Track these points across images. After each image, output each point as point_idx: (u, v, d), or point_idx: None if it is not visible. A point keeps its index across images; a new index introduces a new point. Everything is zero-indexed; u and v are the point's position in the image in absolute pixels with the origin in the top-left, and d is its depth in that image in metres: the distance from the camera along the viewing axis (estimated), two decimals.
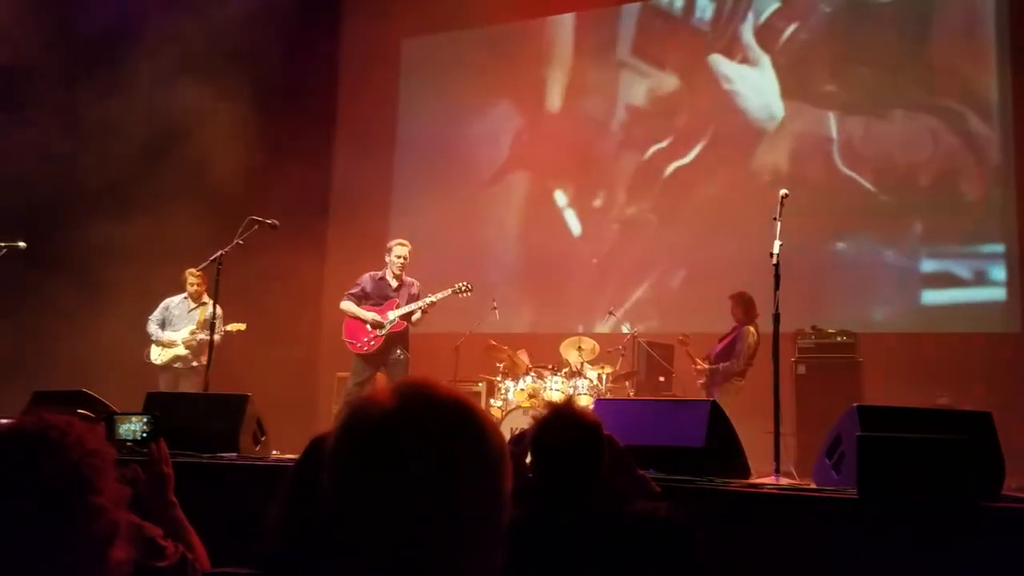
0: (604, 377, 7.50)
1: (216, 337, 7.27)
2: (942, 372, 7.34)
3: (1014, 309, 7.90)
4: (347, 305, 7.25)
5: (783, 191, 5.06)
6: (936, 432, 3.58)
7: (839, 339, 7.38)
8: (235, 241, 6.45)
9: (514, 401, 7.29)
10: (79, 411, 4.42)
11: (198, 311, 7.62)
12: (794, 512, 3.60)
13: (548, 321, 9.52)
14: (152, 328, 7.56)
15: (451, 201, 10.44)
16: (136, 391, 6.70)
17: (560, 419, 2.52)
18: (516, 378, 7.56)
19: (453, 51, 10.72)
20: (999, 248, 8.06)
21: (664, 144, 9.51)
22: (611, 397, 7.25)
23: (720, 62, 9.35)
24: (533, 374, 7.52)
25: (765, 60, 9.17)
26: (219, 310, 7.30)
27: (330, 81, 10.82)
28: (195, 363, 7.50)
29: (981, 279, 8.07)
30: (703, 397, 7.10)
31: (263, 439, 5.10)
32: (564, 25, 10.25)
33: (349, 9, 10.90)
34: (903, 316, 8.25)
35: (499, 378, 7.68)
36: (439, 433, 1.03)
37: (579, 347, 7.67)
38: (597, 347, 7.78)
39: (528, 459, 2.66)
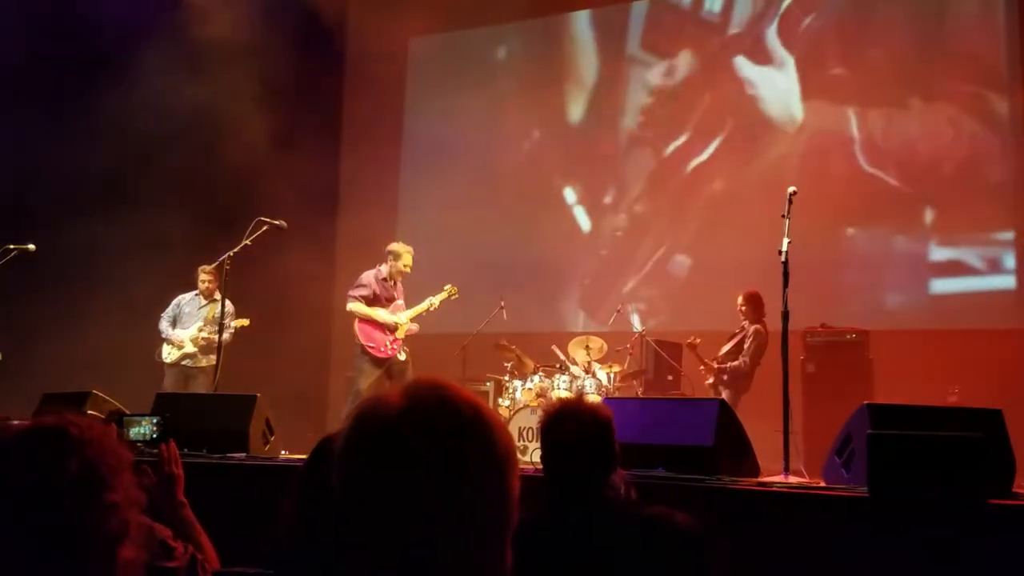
0: (612, 376, 7.49)
1: (226, 336, 7.30)
2: (953, 369, 7.30)
3: None
4: (358, 307, 7.14)
5: (791, 188, 5.04)
6: (947, 430, 3.57)
7: (849, 337, 7.35)
8: (243, 242, 6.47)
9: (522, 400, 7.28)
10: (89, 412, 4.44)
11: (207, 308, 7.59)
12: (804, 511, 3.59)
13: (556, 320, 9.52)
14: (163, 325, 7.57)
15: (459, 199, 10.44)
16: (146, 391, 6.74)
17: (569, 413, 2.47)
18: (524, 377, 7.56)
19: (460, 49, 10.73)
20: (1009, 236, 8.02)
21: (676, 142, 9.48)
22: (619, 396, 7.24)
23: (735, 57, 9.32)
24: (541, 373, 7.51)
25: (780, 54, 9.12)
26: (230, 306, 7.34)
27: (336, 80, 10.82)
28: (204, 362, 7.47)
29: (993, 274, 8.03)
30: (711, 396, 7.08)
31: (272, 439, 5.11)
32: (573, 22, 10.23)
33: (355, 9, 10.91)
34: (914, 313, 8.21)
35: (507, 377, 7.68)
36: (448, 433, 1.03)
37: (587, 346, 7.67)
38: (605, 346, 7.77)
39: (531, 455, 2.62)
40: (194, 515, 2.34)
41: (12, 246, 6.37)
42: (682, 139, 9.45)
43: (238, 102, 8.30)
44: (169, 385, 7.36)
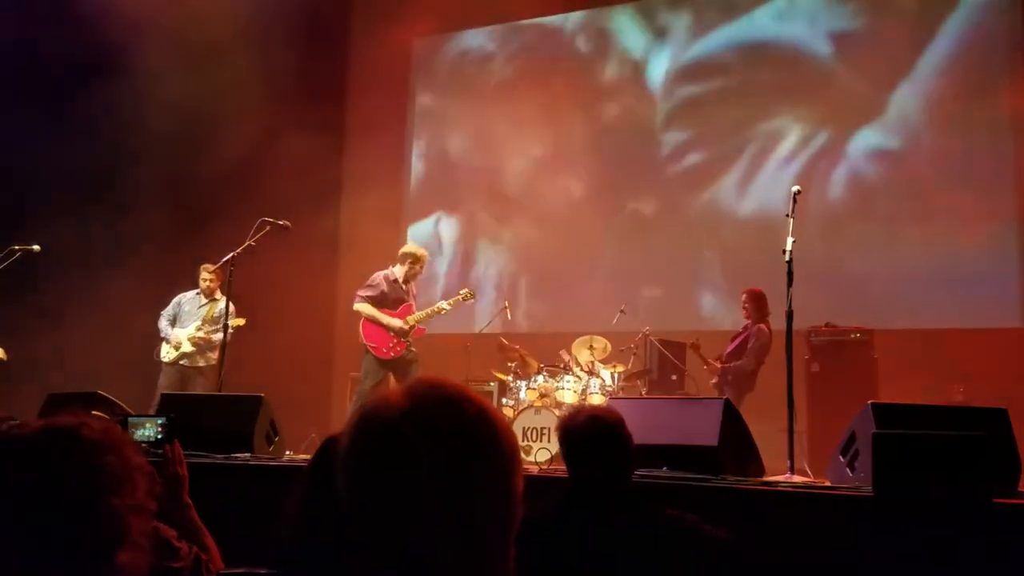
0: (616, 376, 7.49)
1: (219, 335, 7.28)
2: (957, 369, 7.28)
3: None
4: (365, 308, 7.15)
5: (795, 187, 5.04)
6: (951, 429, 3.57)
7: (853, 336, 7.33)
8: (247, 242, 6.48)
9: (526, 400, 7.28)
10: (94, 413, 4.44)
11: (207, 307, 7.55)
12: (809, 510, 3.59)
13: (559, 319, 9.52)
14: (162, 324, 7.51)
15: (463, 200, 10.45)
16: (142, 390, 6.75)
17: (587, 419, 2.58)
18: (528, 377, 7.56)
19: (464, 50, 10.74)
20: (1013, 235, 8.01)
21: (681, 140, 9.47)
22: (623, 396, 7.24)
23: (742, 57, 9.32)
24: (545, 373, 7.51)
25: (785, 55, 9.13)
26: (231, 307, 7.34)
27: (340, 80, 10.83)
28: (201, 362, 7.45)
29: (997, 273, 8.01)
30: (716, 396, 7.07)
31: (276, 440, 5.12)
32: (577, 21, 10.23)
33: (359, 10, 10.92)
34: (918, 312, 8.19)
35: (511, 377, 7.68)
36: (451, 433, 1.03)
37: (591, 346, 7.67)
38: (609, 346, 7.76)
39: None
40: (199, 516, 2.34)
41: (17, 247, 6.40)
42: (685, 138, 9.44)
43: (241, 102, 8.31)
44: (165, 385, 7.28)
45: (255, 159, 8.63)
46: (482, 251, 10.20)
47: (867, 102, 8.67)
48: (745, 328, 7.47)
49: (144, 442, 2.58)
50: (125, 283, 7.74)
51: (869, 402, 3.90)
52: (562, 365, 7.63)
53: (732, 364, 7.34)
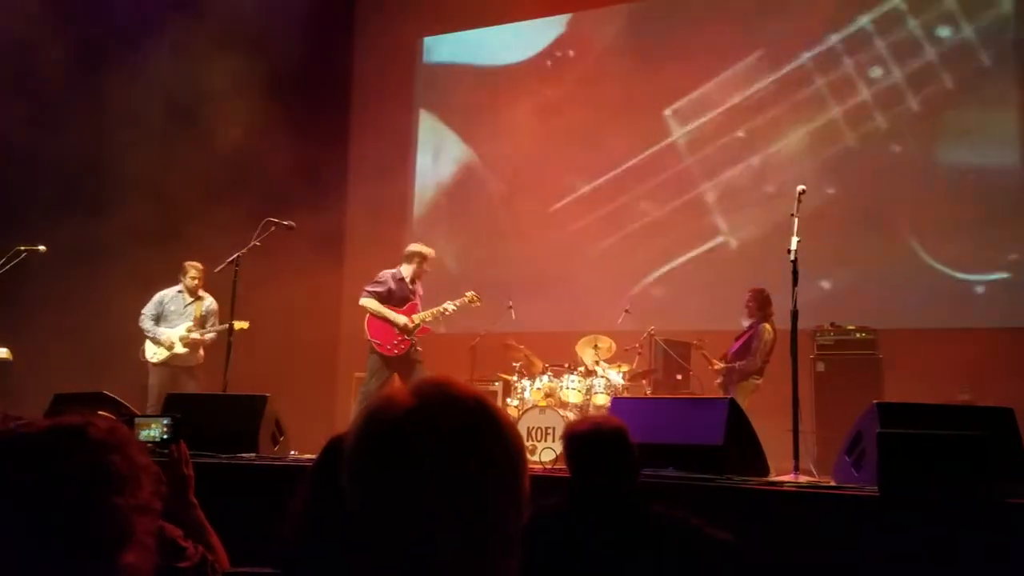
0: (621, 376, 7.48)
1: (212, 335, 7.29)
2: (963, 368, 7.26)
3: None
4: (370, 303, 7.14)
5: (800, 187, 5.03)
6: (957, 428, 3.56)
7: (859, 336, 7.32)
8: (252, 243, 6.49)
9: (531, 400, 7.28)
10: (100, 414, 4.44)
11: (194, 306, 7.46)
12: (814, 510, 3.58)
13: (564, 319, 9.51)
14: (148, 324, 7.35)
15: (468, 200, 10.46)
16: (129, 390, 6.74)
17: (590, 427, 2.66)
18: (532, 377, 7.55)
19: (471, 48, 10.74)
20: (1018, 233, 7.99)
21: (685, 139, 9.47)
22: (628, 395, 7.23)
23: (747, 59, 9.31)
24: (550, 373, 7.51)
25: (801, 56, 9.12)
26: (215, 304, 7.36)
27: (346, 80, 10.84)
28: (192, 361, 7.38)
29: (1002, 271, 7.99)
30: (721, 395, 7.06)
31: (282, 439, 5.13)
32: (581, 21, 10.23)
33: (365, 11, 10.92)
34: (923, 311, 8.17)
35: (515, 377, 7.68)
36: (457, 432, 1.03)
37: (595, 345, 7.66)
38: (614, 345, 7.76)
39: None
40: (204, 515, 2.35)
41: (23, 247, 6.42)
42: (690, 138, 9.43)
43: (246, 103, 8.33)
44: (156, 385, 7.22)
45: (259, 160, 8.65)
46: (486, 250, 10.20)
47: (873, 101, 8.65)
48: (749, 327, 7.46)
49: (150, 442, 2.59)
50: (129, 282, 7.76)
51: (874, 402, 3.90)
52: (567, 364, 7.62)
53: (736, 364, 7.33)
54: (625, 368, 7.58)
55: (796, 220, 4.88)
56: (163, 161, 8.35)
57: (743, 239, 8.95)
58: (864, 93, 8.72)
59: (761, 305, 7.33)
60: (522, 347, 7.90)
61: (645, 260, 9.40)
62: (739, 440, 4.20)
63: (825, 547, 3.42)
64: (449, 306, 7.35)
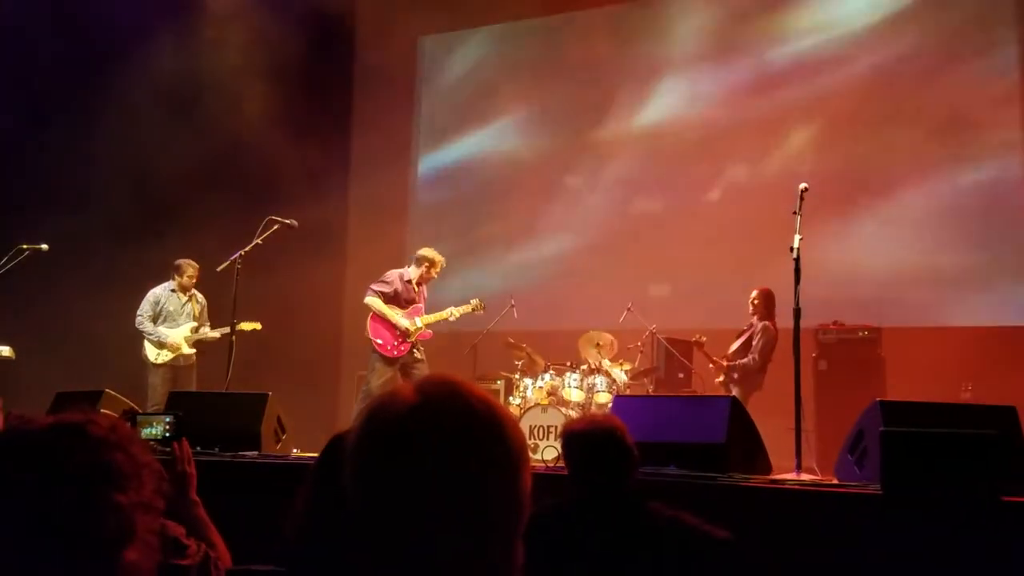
0: (623, 374, 7.48)
1: (217, 335, 7.28)
2: (966, 366, 7.25)
3: None
4: (374, 302, 7.13)
5: (802, 185, 5.02)
6: (960, 427, 3.55)
7: (861, 334, 7.31)
8: (254, 241, 6.49)
9: (533, 399, 7.28)
10: (102, 411, 4.45)
11: (190, 305, 7.45)
12: (816, 508, 3.58)
13: (566, 318, 9.51)
14: (148, 326, 7.31)
15: (470, 199, 10.45)
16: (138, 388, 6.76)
17: (588, 425, 2.67)
18: (534, 375, 7.55)
19: (471, 48, 10.73)
20: (1021, 231, 7.98)
21: (686, 139, 9.45)
22: (630, 394, 7.23)
23: (749, 54, 9.30)
24: (552, 371, 7.51)
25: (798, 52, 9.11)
26: (205, 301, 7.39)
27: (347, 80, 10.83)
28: (192, 360, 7.40)
29: (1005, 269, 7.97)
30: (722, 394, 7.05)
31: (284, 437, 5.13)
32: (583, 19, 10.21)
33: (365, 11, 10.91)
34: (926, 310, 8.16)
35: (517, 375, 7.68)
36: (459, 430, 1.03)
37: (597, 344, 7.65)
38: (616, 343, 7.75)
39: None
40: (206, 513, 2.35)
41: (25, 246, 6.42)
42: (692, 136, 9.42)
43: (248, 103, 8.34)
44: (158, 384, 7.22)
45: (262, 160, 8.66)
46: (488, 249, 10.19)
47: (875, 100, 8.64)
48: (750, 326, 7.45)
49: (152, 440, 2.59)
50: (130, 280, 7.77)
51: (877, 400, 3.89)
52: (568, 362, 7.62)
53: (738, 362, 7.32)
54: (627, 366, 7.58)
55: (799, 218, 4.87)
56: (164, 160, 8.34)
57: (745, 238, 8.93)
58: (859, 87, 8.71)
59: (767, 304, 7.32)
60: (524, 345, 7.90)
61: (647, 258, 9.39)
62: (741, 438, 4.20)
63: (827, 546, 3.42)
64: (454, 312, 7.36)
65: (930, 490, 3.27)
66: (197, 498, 2.38)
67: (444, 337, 7.91)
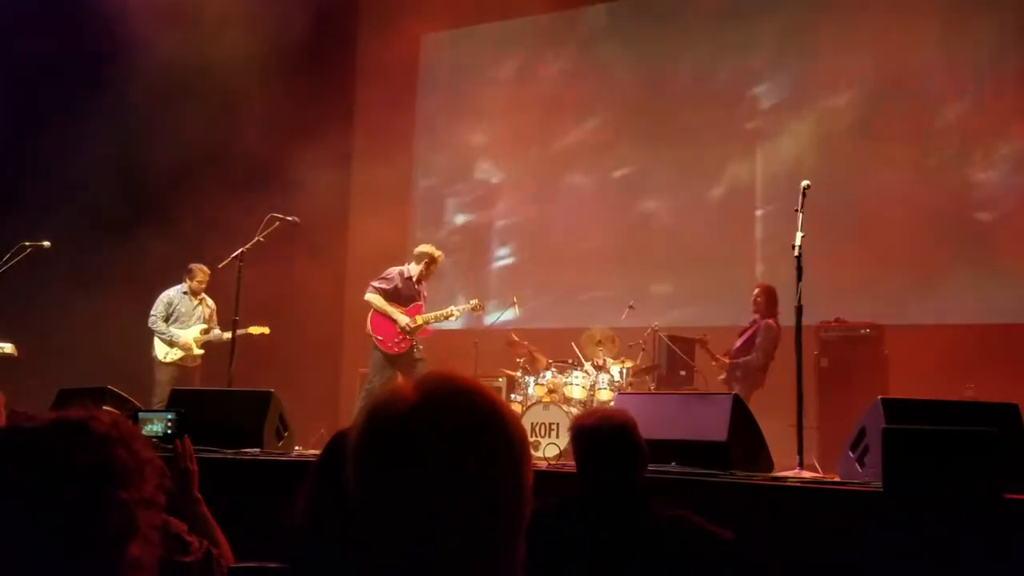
0: (625, 372, 7.48)
1: (227, 336, 7.35)
2: (968, 364, 7.25)
3: None
4: (375, 299, 7.15)
5: (805, 182, 5.02)
6: (962, 424, 3.55)
7: (863, 331, 7.30)
8: (256, 238, 6.49)
9: (534, 396, 7.28)
10: (105, 408, 4.46)
11: (201, 308, 7.65)
12: (818, 506, 3.58)
13: (568, 315, 9.52)
14: (161, 326, 7.52)
15: (471, 195, 10.46)
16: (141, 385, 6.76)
17: (601, 418, 2.64)
18: (536, 373, 7.55)
19: (472, 46, 10.73)
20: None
21: (689, 138, 9.45)
22: (632, 392, 7.23)
23: (746, 52, 9.29)
24: (554, 369, 7.51)
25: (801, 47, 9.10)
26: (214, 305, 7.48)
27: (348, 79, 10.83)
28: (199, 360, 7.58)
29: (1008, 267, 7.96)
30: (724, 391, 7.05)
31: (286, 435, 5.13)
32: (584, 18, 10.20)
33: (366, 10, 10.91)
34: (928, 308, 8.16)
35: (519, 373, 7.68)
36: (461, 428, 1.03)
37: (599, 341, 7.65)
38: (618, 341, 7.75)
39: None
40: (208, 510, 2.35)
41: (28, 243, 6.43)
42: (694, 135, 9.41)
43: (249, 103, 8.33)
44: (166, 382, 7.33)
45: (263, 159, 8.66)
46: (490, 248, 10.20)
47: (877, 99, 8.63)
48: (753, 323, 7.44)
49: (154, 437, 2.60)
50: (133, 281, 7.78)
51: (879, 397, 3.89)
52: (570, 360, 7.62)
53: (741, 360, 7.32)
54: (629, 364, 7.58)
55: (801, 216, 4.86)
56: (165, 158, 8.34)
57: (746, 236, 8.93)
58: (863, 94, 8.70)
59: (770, 301, 7.32)
60: (526, 343, 7.90)
61: (649, 256, 9.39)
62: (743, 436, 4.20)
63: (829, 543, 3.42)
64: (454, 311, 7.41)
65: (932, 488, 3.27)
66: (199, 495, 2.38)
67: (446, 334, 7.92)
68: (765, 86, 9.17)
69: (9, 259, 6.36)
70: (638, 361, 7.74)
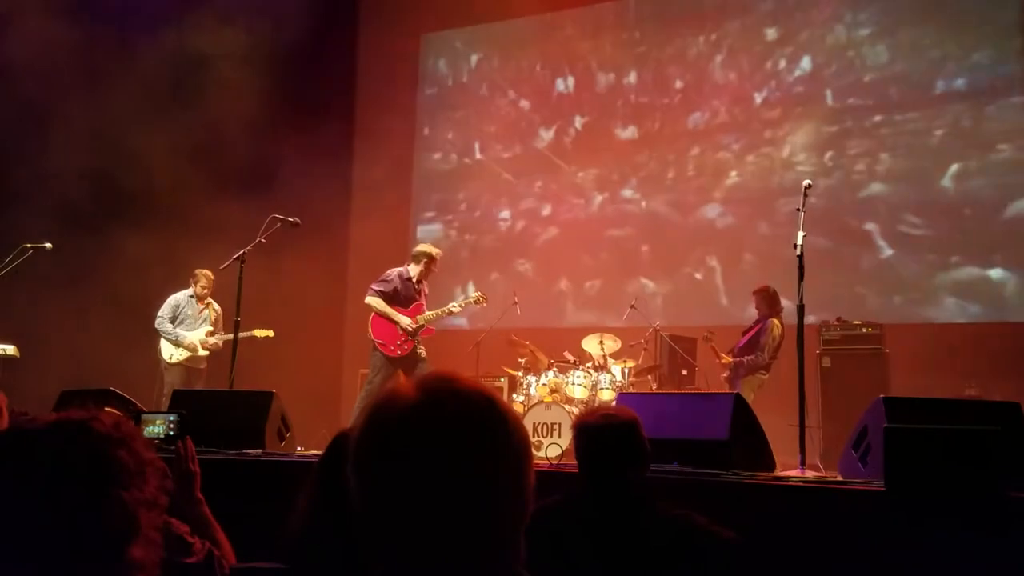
0: (626, 371, 7.48)
1: (220, 340, 7.42)
2: (970, 363, 7.24)
3: None
4: (375, 302, 7.13)
5: (806, 181, 5.02)
6: (964, 423, 3.55)
7: (865, 331, 7.30)
8: (257, 239, 6.49)
9: (536, 396, 7.28)
10: (107, 410, 4.46)
11: (207, 312, 7.73)
12: (820, 505, 3.57)
13: (569, 315, 9.52)
14: (168, 327, 7.59)
15: (472, 195, 10.45)
16: (144, 389, 6.76)
17: (605, 415, 2.62)
18: (538, 373, 7.55)
19: (471, 46, 10.73)
20: None
21: (691, 137, 9.45)
22: (634, 391, 7.22)
23: (758, 52, 9.29)
24: (555, 369, 7.50)
25: (805, 47, 9.09)
26: (220, 309, 7.52)
27: (349, 77, 10.83)
28: (203, 363, 7.65)
29: (1010, 266, 7.95)
30: (726, 390, 7.05)
31: (288, 435, 5.13)
32: (585, 16, 10.20)
33: (367, 10, 10.91)
34: (930, 306, 8.15)
35: (520, 373, 7.68)
36: (460, 428, 1.03)
37: (601, 341, 7.65)
38: (619, 341, 7.75)
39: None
40: (211, 511, 2.35)
41: (29, 244, 6.44)
42: (702, 134, 9.41)
43: (250, 103, 8.33)
44: (171, 384, 7.37)
45: (264, 160, 8.66)
46: (491, 247, 10.20)
47: (879, 99, 8.63)
48: (757, 322, 7.45)
49: (156, 438, 2.60)
50: (134, 280, 7.79)
51: (881, 396, 3.88)
52: (573, 360, 7.62)
53: (744, 359, 7.32)
54: (631, 364, 7.58)
55: (802, 215, 4.86)
56: (167, 158, 8.35)
57: (748, 235, 8.93)
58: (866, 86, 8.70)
59: (770, 303, 7.32)
60: (527, 343, 7.89)
61: (650, 255, 9.39)
62: (745, 435, 4.19)
63: (831, 542, 3.41)
64: (455, 307, 7.39)
65: (934, 486, 3.27)
66: (201, 496, 2.38)
67: (447, 335, 7.92)
68: (770, 84, 9.16)
69: (11, 261, 6.36)
70: (640, 361, 7.74)
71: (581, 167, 9.95)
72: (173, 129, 8.23)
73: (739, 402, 4.30)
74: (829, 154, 8.74)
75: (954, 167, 8.26)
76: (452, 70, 10.86)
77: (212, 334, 7.63)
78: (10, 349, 6.51)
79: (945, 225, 8.21)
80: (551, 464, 4.31)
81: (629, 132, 9.77)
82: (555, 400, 7.09)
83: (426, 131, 10.89)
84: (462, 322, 8.09)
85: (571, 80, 10.10)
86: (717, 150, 9.29)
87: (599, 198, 9.82)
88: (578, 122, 10.04)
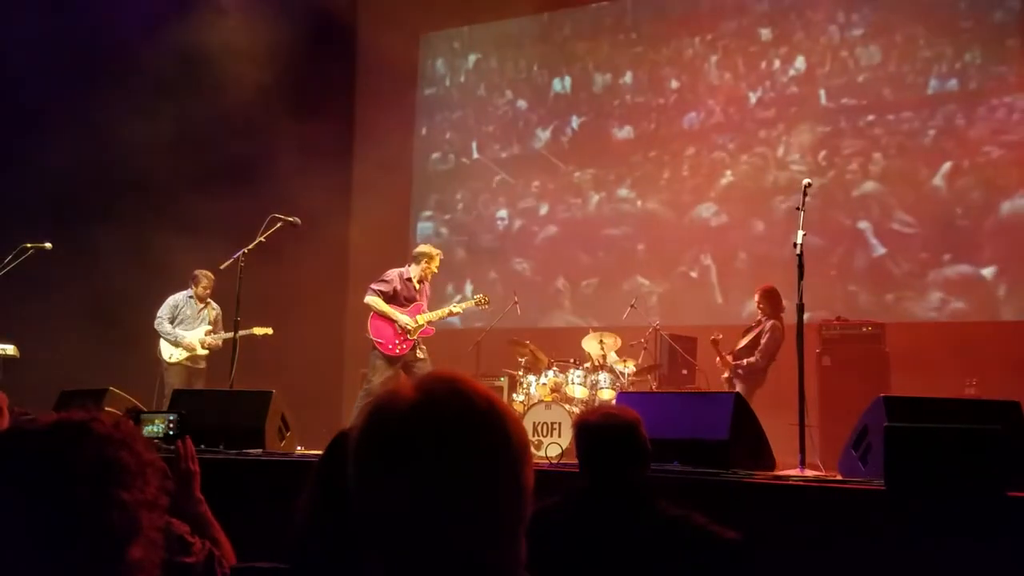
0: (626, 371, 7.47)
1: (220, 340, 7.43)
2: (969, 362, 7.24)
3: None
4: (375, 301, 7.12)
5: (806, 181, 5.02)
6: (964, 422, 3.55)
7: (865, 330, 7.30)
8: (258, 239, 6.49)
9: (536, 395, 7.28)
10: (107, 409, 4.47)
11: (207, 312, 7.74)
12: (820, 504, 3.58)
13: (569, 314, 9.52)
14: (167, 327, 7.61)
15: (472, 195, 10.45)
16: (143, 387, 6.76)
17: (606, 413, 2.62)
18: (538, 373, 7.55)
19: (472, 45, 10.73)
20: None
21: (691, 136, 9.44)
22: (634, 391, 7.22)
23: (757, 53, 9.28)
24: (555, 368, 7.50)
25: (807, 44, 9.08)
26: (220, 310, 7.53)
27: (348, 80, 10.83)
28: (203, 363, 7.67)
29: (1010, 265, 7.95)
30: (726, 390, 7.04)
31: (288, 435, 5.13)
32: (585, 15, 10.20)
33: (366, 10, 10.90)
34: (930, 306, 8.15)
35: (521, 372, 7.68)
36: (460, 427, 1.03)
37: (601, 340, 7.65)
38: (619, 340, 7.74)
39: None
40: (211, 511, 2.35)
41: (29, 244, 6.44)
42: (698, 133, 9.41)
43: (249, 103, 8.33)
44: (172, 383, 7.37)
45: (264, 160, 8.65)
46: (488, 246, 10.20)
47: (889, 90, 8.63)
48: (758, 323, 7.43)
49: (156, 438, 2.60)
50: (135, 280, 7.79)
51: (881, 395, 3.89)
52: (572, 360, 7.61)
53: (745, 360, 7.29)
54: (631, 363, 7.57)
55: (802, 214, 4.86)
56: (166, 157, 8.34)
57: (742, 234, 8.93)
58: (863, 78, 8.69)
59: (773, 303, 7.29)
60: (527, 342, 7.89)
61: (646, 254, 9.39)
62: (745, 434, 4.20)
63: (831, 541, 3.41)
64: (456, 307, 7.40)
65: (934, 486, 3.27)
66: (201, 496, 2.38)
67: (447, 334, 7.91)
68: (764, 85, 9.16)
69: (11, 260, 6.36)
70: (640, 360, 7.74)
71: (578, 167, 9.94)
72: (172, 128, 8.22)
73: (739, 402, 4.30)
74: (823, 153, 8.74)
75: (946, 166, 8.26)
76: (450, 70, 10.85)
77: (211, 333, 7.63)
78: (10, 349, 6.51)
79: (937, 224, 8.21)
80: (551, 464, 4.31)
81: (625, 132, 9.77)
82: (555, 399, 7.09)
83: (424, 131, 10.89)
84: (462, 322, 8.08)
85: (568, 80, 10.10)
86: (712, 150, 9.29)
87: (596, 197, 9.81)
88: (575, 122, 10.04)
